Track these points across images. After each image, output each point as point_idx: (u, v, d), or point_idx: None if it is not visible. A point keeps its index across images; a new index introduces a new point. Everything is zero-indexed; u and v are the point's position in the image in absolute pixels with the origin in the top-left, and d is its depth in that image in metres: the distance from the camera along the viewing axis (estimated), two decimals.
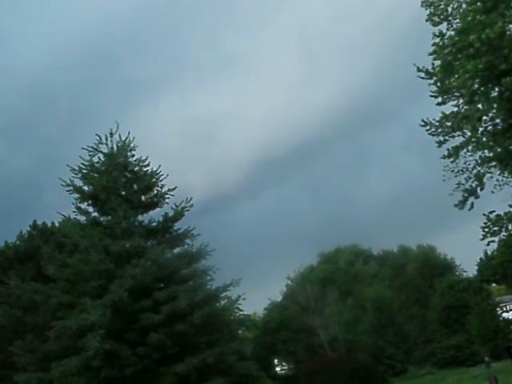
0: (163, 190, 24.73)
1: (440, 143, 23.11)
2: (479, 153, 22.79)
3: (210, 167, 75.71)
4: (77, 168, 23.91)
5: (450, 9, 21.42)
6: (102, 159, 24.36)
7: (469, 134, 22.41)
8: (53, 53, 76.36)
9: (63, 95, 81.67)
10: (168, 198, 24.88)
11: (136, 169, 24.65)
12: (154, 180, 24.63)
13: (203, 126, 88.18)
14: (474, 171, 22.97)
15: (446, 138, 22.95)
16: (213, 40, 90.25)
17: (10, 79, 72.15)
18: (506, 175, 22.75)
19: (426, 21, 21.91)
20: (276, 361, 47.61)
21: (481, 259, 45.65)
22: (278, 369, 47.80)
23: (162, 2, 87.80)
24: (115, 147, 24.39)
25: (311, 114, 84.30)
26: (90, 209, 24.64)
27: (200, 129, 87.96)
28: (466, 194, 23.08)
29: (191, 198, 24.74)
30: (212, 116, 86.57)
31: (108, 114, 71.12)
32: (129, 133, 24.51)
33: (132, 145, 24.54)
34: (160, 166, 24.61)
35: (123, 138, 24.40)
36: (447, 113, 22.65)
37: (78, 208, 24.40)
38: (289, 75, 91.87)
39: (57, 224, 30.08)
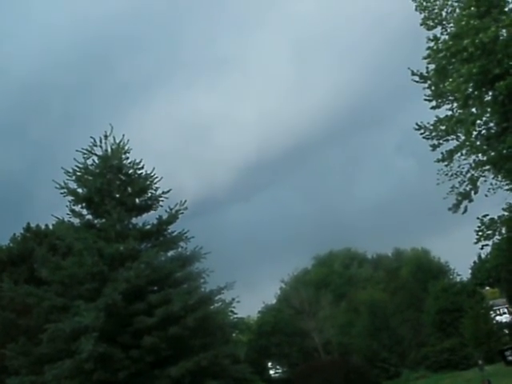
0: (157, 193, 24.69)
1: (434, 147, 23.22)
2: (473, 156, 22.92)
3: (202, 170, 75.69)
4: (71, 170, 23.86)
5: (444, 13, 21.58)
6: (97, 162, 24.29)
7: (463, 137, 22.54)
8: (45, 54, 76.41)
9: (55, 96, 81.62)
10: (162, 200, 24.84)
11: (130, 171, 24.56)
12: (148, 183, 24.56)
13: (195, 129, 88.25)
14: (468, 175, 23.08)
15: (440, 141, 23.07)
16: (206, 42, 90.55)
17: (1, 80, 72.04)
18: (499, 179, 22.88)
19: (421, 25, 22.06)
20: (270, 364, 47.58)
21: (474, 262, 45.81)
22: (271, 372, 47.79)
23: (155, 5, 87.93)
24: (109, 150, 24.32)
25: (304, 116, 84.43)
26: (84, 211, 24.52)
27: (192, 131, 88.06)
28: (459, 198, 23.18)
29: (185, 201, 24.71)
30: (204, 118, 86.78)
31: (100, 115, 70.88)
32: (123, 135, 24.46)
33: (126, 147, 24.49)
34: (154, 168, 24.60)
35: (117, 141, 24.36)
36: (441, 116, 22.76)
37: (72, 210, 24.30)
38: (282, 78, 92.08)
39: (50, 226, 29.95)
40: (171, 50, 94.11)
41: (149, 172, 24.57)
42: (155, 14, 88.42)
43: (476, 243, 23.32)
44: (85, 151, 24.09)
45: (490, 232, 23.00)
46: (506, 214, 23.34)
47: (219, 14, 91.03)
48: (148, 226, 24.54)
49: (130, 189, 24.52)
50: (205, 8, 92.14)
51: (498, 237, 23.92)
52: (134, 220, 24.53)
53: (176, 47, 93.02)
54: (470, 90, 20.63)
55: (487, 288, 48.18)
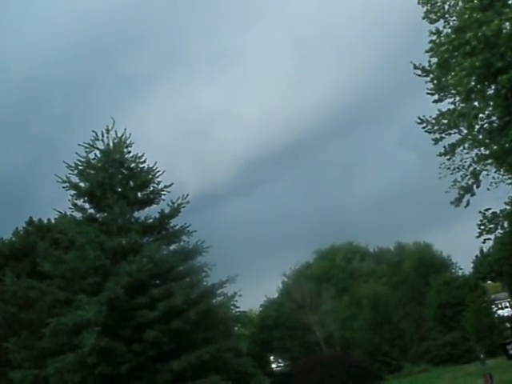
0: (159, 187, 24.71)
1: (436, 141, 23.17)
2: (475, 150, 22.88)
3: (203, 164, 75.62)
4: (73, 164, 23.87)
5: (446, 6, 21.46)
6: (98, 156, 24.30)
7: (465, 131, 22.49)
8: (45, 49, 76.19)
9: (56, 92, 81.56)
10: (164, 194, 24.87)
11: (132, 165, 24.56)
12: (150, 176, 24.58)
13: (196, 123, 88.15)
14: (470, 169, 23.04)
15: (443, 135, 23.01)
16: (206, 37, 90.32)
17: (2, 76, 71.92)
18: (501, 173, 22.84)
19: (423, 18, 21.94)
20: (272, 358, 47.71)
21: (476, 256, 45.85)
22: (273, 366, 47.94)
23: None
24: (111, 144, 24.32)
25: (305, 111, 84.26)
26: (86, 205, 24.56)
27: (193, 126, 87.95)
28: (462, 192, 23.15)
29: (187, 195, 24.74)
30: (205, 113, 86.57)
31: (101, 110, 70.87)
32: (125, 129, 24.46)
33: (128, 141, 24.49)
34: (156, 162, 24.62)
35: (119, 135, 24.35)
36: (444, 110, 22.70)
37: (74, 204, 24.33)
38: (283, 73, 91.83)
39: (53, 220, 30.00)
40: (172, 45, 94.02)
41: (151, 166, 24.61)
42: (155, 8, 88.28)
43: (478, 237, 23.33)
44: (87, 145, 24.11)
45: (492, 226, 22.99)
46: (508, 207, 23.33)
47: (220, 9, 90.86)
48: (150, 220, 24.58)
49: (131, 183, 24.53)
50: (205, 2, 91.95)
51: (500, 231, 23.93)
52: (135, 214, 24.58)
53: (176, 42, 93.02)
54: (473, 83, 20.54)
55: (489, 282, 48.20)
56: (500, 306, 47.33)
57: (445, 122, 22.67)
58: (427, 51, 21.58)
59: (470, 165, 23.02)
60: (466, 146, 22.79)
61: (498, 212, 22.99)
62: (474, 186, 23.03)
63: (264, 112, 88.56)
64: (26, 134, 75.05)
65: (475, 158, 22.91)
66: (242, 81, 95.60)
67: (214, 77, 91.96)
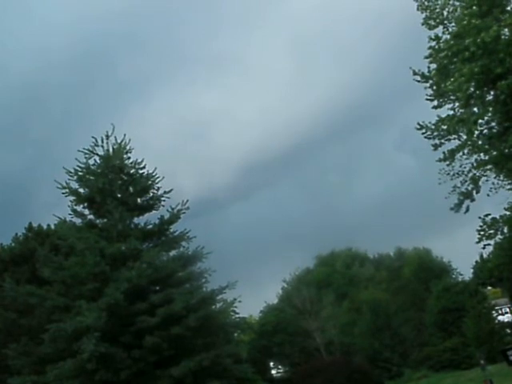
0: (159, 193, 24.73)
1: (436, 146, 23.17)
2: (475, 156, 22.88)
3: (201, 168, 75.63)
4: (72, 170, 23.90)
5: (445, 12, 21.53)
6: (98, 161, 24.33)
7: (464, 137, 22.49)
8: (45, 52, 76.32)
9: (55, 95, 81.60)
10: (164, 200, 24.89)
11: (132, 171, 24.61)
12: (149, 182, 24.61)
13: (195, 126, 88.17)
14: (470, 174, 23.03)
15: (442, 141, 23.01)
16: (206, 39, 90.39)
17: (1, 78, 71.95)
18: (501, 178, 22.84)
19: (422, 24, 22.01)
20: (272, 364, 47.55)
21: (476, 262, 45.71)
22: (273, 372, 47.75)
23: (154, 1, 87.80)
24: (111, 150, 24.36)
25: (304, 115, 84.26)
26: (86, 211, 24.60)
27: (192, 129, 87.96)
28: (461, 197, 23.14)
29: (187, 201, 24.77)
30: (204, 116, 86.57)
31: (100, 113, 70.97)
32: (124, 135, 24.55)
33: (128, 147, 24.53)
34: (156, 168, 24.65)
35: (119, 141, 24.39)
36: (443, 116, 22.72)
37: (74, 210, 24.36)
38: (282, 76, 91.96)
39: (52, 226, 29.97)
40: (171, 47, 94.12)
41: (150, 172, 24.65)
42: (155, 10, 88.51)
43: (478, 243, 23.27)
44: (86, 151, 24.16)
45: (491, 231, 22.95)
46: (507, 213, 23.29)
47: (219, 11, 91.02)
48: (150, 226, 24.60)
49: (131, 188, 24.55)
50: (205, 4, 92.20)
51: (499, 236, 23.87)
52: (135, 220, 24.61)
53: (176, 44, 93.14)
54: (472, 89, 20.60)
55: (489, 287, 48.03)
56: (500, 312, 47.19)
57: (444, 127, 22.68)
58: (426, 57, 21.63)
59: (469, 170, 23.02)
60: (466, 151, 22.79)
61: (498, 217, 22.96)
62: (474, 191, 23.02)
63: (263, 115, 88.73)
64: (25, 138, 75.09)
65: (475, 164, 22.91)
66: (242, 84, 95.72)
67: (214, 79, 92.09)
